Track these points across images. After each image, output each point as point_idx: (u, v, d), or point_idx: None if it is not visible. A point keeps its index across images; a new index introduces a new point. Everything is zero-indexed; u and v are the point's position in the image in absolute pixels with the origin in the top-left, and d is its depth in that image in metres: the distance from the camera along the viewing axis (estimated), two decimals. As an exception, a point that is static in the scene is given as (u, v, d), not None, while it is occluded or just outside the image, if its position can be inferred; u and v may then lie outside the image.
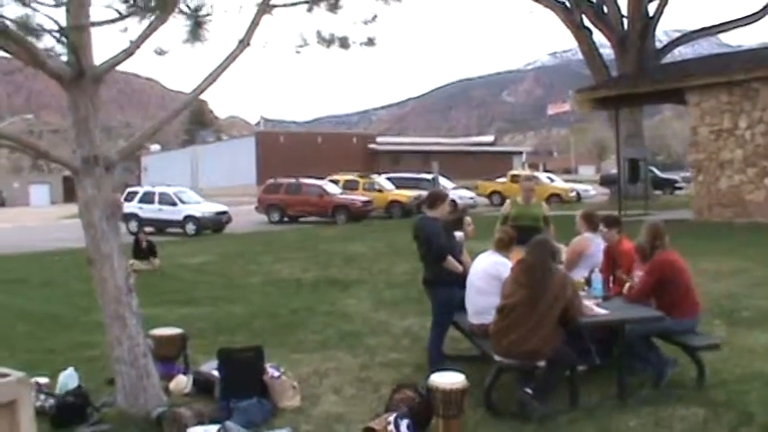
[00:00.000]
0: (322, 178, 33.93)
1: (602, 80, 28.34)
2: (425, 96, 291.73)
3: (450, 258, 6.78)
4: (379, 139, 69.90)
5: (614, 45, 30.03)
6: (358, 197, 31.13)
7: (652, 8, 30.21)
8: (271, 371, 6.15)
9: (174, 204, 27.16)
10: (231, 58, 6.05)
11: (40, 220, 37.77)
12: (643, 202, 25.96)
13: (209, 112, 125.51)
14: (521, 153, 77.15)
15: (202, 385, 6.44)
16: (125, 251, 5.86)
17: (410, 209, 30.60)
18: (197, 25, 5.01)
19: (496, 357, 5.67)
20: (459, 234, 7.29)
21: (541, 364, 5.52)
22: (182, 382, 6.52)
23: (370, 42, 6.75)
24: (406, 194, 32.35)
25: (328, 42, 6.53)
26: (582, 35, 30.63)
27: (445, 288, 6.80)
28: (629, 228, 20.18)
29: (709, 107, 18.96)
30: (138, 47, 5.39)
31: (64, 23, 5.22)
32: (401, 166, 54.38)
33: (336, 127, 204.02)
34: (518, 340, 5.46)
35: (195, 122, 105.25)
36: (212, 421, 5.44)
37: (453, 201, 10.50)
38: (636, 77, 23.84)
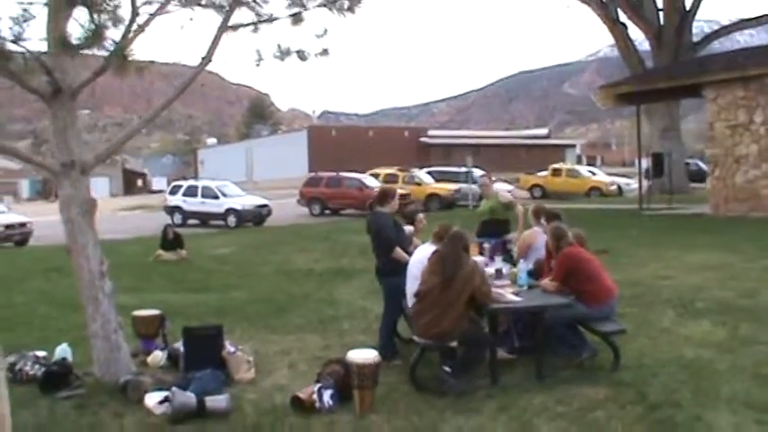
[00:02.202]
0: (363, 172, 34.77)
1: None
2: (486, 89, 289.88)
3: (397, 249, 7.52)
4: (430, 133, 70.46)
5: (651, 39, 30.12)
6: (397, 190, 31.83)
7: (689, 1, 30.18)
8: (228, 347, 7.01)
9: (217, 198, 28.31)
10: (194, 73, 6.93)
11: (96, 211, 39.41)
12: (679, 195, 26.21)
13: (268, 106, 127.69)
14: (573, 146, 76.84)
15: (175, 359, 7.36)
16: (100, 242, 6.77)
17: (450, 202, 31.28)
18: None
19: (415, 338, 6.43)
20: (408, 228, 8.05)
21: (453, 344, 6.25)
22: (157, 356, 7.46)
23: (325, 52, 7.55)
24: (445, 188, 33.03)
25: (284, 55, 7.34)
26: (618, 30, 30.77)
27: (393, 277, 7.52)
28: (643, 221, 20.61)
29: (726, 102, 19.16)
30: (105, 70, 6.27)
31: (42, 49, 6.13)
32: (452, 159, 54.81)
33: (397, 120, 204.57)
34: (431, 322, 6.20)
35: (255, 116, 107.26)
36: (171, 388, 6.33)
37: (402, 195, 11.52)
38: (655, 73, 24.04)
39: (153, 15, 6.21)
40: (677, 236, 16.23)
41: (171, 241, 16.42)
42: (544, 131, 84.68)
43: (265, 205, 28.70)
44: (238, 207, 27.83)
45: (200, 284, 13.15)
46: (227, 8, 6.79)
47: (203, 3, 6.57)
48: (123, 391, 6.39)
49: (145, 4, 6.13)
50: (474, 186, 31.59)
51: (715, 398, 5.97)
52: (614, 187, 36.98)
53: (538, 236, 8.17)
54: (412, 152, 61.90)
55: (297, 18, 7.47)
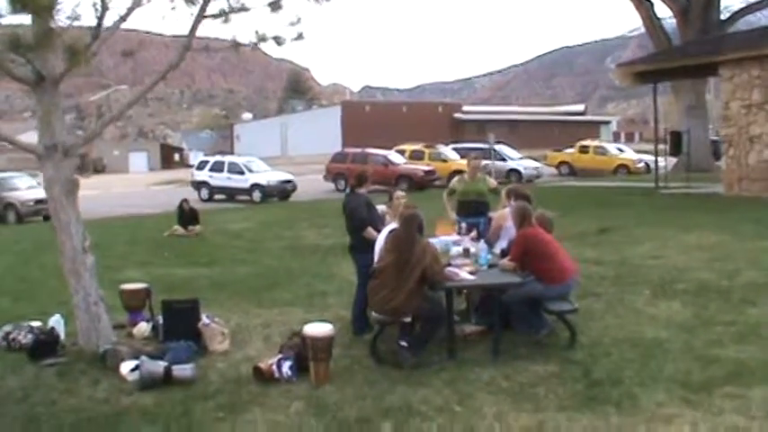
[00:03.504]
0: (389, 148, 35.06)
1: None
2: (528, 64, 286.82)
3: (369, 229, 7.88)
4: (464, 108, 70.41)
5: (677, 16, 29.75)
6: (421, 167, 32.12)
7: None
8: (204, 319, 7.45)
9: (242, 173, 28.92)
10: (174, 64, 7.31)
11: (130, 186, 40.34)
12: (701, 173, 26.10)
13: (306, 81, 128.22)
14: (609, 122, 76.13)
15: (158, 331, 7.82)
16: (82, 220, 7.23)
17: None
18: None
19: (372, 313, 6.80)
20: (381, 207, 8.39)
21: (407, 319, 6.60)
22: (142, 328, 7.93)
23: (300, 37, 7.89)
24: (470, 164, 33.18)
25: (261, 40, 7.69)
26: (643, 7, 30.42)
27: (365, 254, 7.85)
28: (654, 200, 20.68)
29: (741, 81, 19.00)
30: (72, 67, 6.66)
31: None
32: (486, 135, 54.62)
33: (438, 95, 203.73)
34: (385, 298, 6.56)
35: (293, 91, 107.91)
36: (149, 357, 6.78)
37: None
38: (672, 52, 23.85)
39: (128, 12, 6.58)
40: (682, 215, 16.27)
41: (187, 216, 16.95)
42: (580, 108, 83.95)
43: (290, 180, 29.21)
44: (263, 182, 28.41)
45: (207, 259, 13.62)
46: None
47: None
48: (102, 360, 6.86)
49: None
50: (498, 163, 31.82)
51: (656, 377, 6.20)
52: (642, 165, 36.67)
53: (509, 216, 8.42)
54: (446, 128, 61.99)
55: (275, 6, 7.81)
